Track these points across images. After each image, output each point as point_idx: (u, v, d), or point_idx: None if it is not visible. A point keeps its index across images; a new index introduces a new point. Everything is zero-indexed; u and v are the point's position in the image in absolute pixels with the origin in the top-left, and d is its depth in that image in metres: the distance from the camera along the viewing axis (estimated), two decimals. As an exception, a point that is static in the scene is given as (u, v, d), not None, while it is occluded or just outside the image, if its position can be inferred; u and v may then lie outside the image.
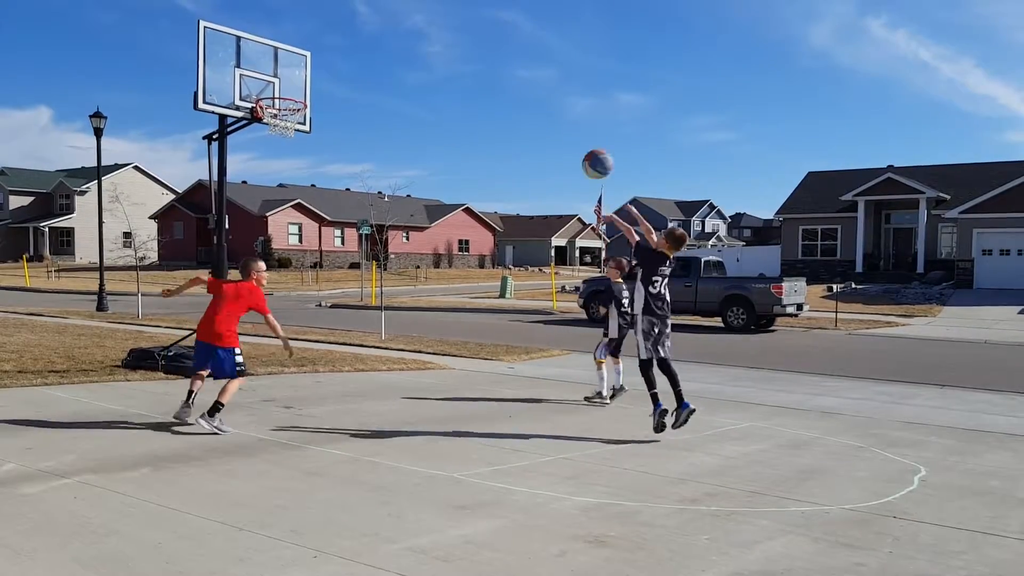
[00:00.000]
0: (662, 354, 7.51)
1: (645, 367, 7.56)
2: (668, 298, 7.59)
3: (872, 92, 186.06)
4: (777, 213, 45.36)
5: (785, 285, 21.21)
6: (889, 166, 43.37)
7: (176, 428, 7.58)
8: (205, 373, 7.64)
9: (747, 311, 20.85)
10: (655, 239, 7.58)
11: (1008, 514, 5.46)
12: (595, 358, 9.71)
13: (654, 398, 7.51)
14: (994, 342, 19.50)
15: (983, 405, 10.35)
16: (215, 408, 7.37)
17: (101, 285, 25.14)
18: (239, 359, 7.56)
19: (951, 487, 6.16)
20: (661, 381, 7.55)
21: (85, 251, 64.44)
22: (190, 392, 7.61)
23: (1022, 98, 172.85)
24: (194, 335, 7.99)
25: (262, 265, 7.85)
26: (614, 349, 9.53)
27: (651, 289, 7.45)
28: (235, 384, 7.54)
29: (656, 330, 7.49)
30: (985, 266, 34.09)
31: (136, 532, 4.64)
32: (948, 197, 39.09)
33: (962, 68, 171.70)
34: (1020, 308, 26.84)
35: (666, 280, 7.58)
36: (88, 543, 4.45)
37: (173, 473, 6.00)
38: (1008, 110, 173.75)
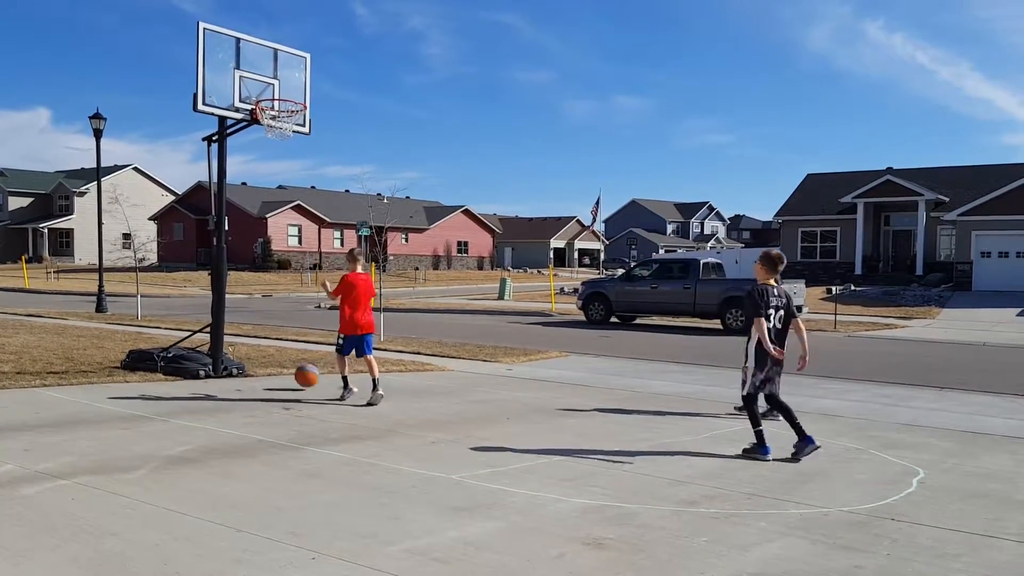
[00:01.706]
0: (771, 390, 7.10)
1: (749, 402, 7.16)
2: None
3: (870, 95, 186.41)
4: (776, 215, 45.38)
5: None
6: (888, 168, 43.41)
7: (167, 428, 7.57)
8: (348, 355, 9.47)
9: (746, 313, 20.81)
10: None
11: (1007, 516, 5.45)
12: None
13: (759, 436, 7.05)
14: (993, 344, 19.50)
15: (982, 407, 10.34)
16: (376, 383, 9.29)
17: (100, 286, 25.13)
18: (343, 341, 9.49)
19: (950, 489, 6.15)
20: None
21: (84, 252, 64.42)
22: (346, 387, 9.50)
23: (1020, 101, 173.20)
24: (192, 336, 8.23)
25: (359, 252, 9.83)
26: None
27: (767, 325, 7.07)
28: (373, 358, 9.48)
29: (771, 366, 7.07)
30: (984, 268, 34.11)
31: (134, 533, 4.64)
32: (947, 199, 39.12)
33: (960, 71, 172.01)
34: (1019, 310, 26.86)
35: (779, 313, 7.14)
36: (86, 544, 4.45)
37: (171, 475, 6.00)
38: (1006, 113, 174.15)
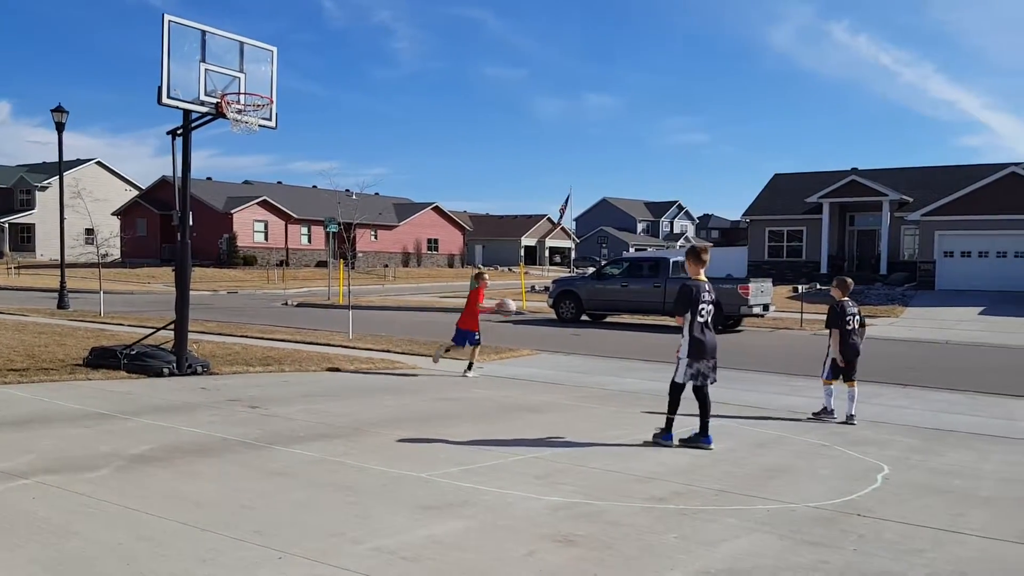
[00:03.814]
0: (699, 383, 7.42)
1: (676, 390, 7.47)
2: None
3: (835, 96, 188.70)
4: (744, 214, 45.78)
5: (752, 286, 21.39)
6: (853, 169, 43.95)
7: (124, 427, 7.44)
8: (464, 346, 12.19)
9: (715, 311, 20.97)
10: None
11: (970, 512, 5.54)
12: (822, 379, 9.21)
13: (669, 424, 7.41)
14: (956, 342, 19.84)
15: (945, 405, 10.52)
16: (470, 366, 12.15)
17: (62, 282, 24.72)
18: (478, 336, 12.09)
19: (914, 485, 6.24)
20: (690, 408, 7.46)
21: (46, 248, 63.26)
22: (447, 351, 12.58)
23: (982, 104, 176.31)
24: (156, 334, 8.26)
25: (487, 275, 12.75)
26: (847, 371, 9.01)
27: (699, 319, 7.38)
28: (477, 349, 12.24)
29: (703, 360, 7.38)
30: (947, 268, 34.69)
31: (96, 533, 4.54)
32: (911, 200, 39.74)
33: (923, 73, 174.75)
34: (981, 309, 27.35)
35: (709, 307, 7.46)
36: (47, 544, 4.35)
37: (135, 473, 5.89)
38: (967, 115, 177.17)
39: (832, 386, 9.14)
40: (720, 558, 4.45)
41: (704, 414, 7.37)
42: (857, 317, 9.26)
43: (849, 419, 8.89)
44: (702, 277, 7.50)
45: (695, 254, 7.61)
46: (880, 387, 11.88)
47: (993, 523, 5.27)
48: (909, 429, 8.67)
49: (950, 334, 21.51)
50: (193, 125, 10.84)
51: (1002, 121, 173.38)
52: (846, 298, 9.25)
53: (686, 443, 7.33)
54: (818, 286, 36.22)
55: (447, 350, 12.51)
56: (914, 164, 53.14)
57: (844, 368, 9.00)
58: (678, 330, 7.63)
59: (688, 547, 4.61)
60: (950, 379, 12.99)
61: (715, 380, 7.50)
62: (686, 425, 8.18)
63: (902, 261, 40.18)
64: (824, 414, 9.10)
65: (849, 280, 9.49)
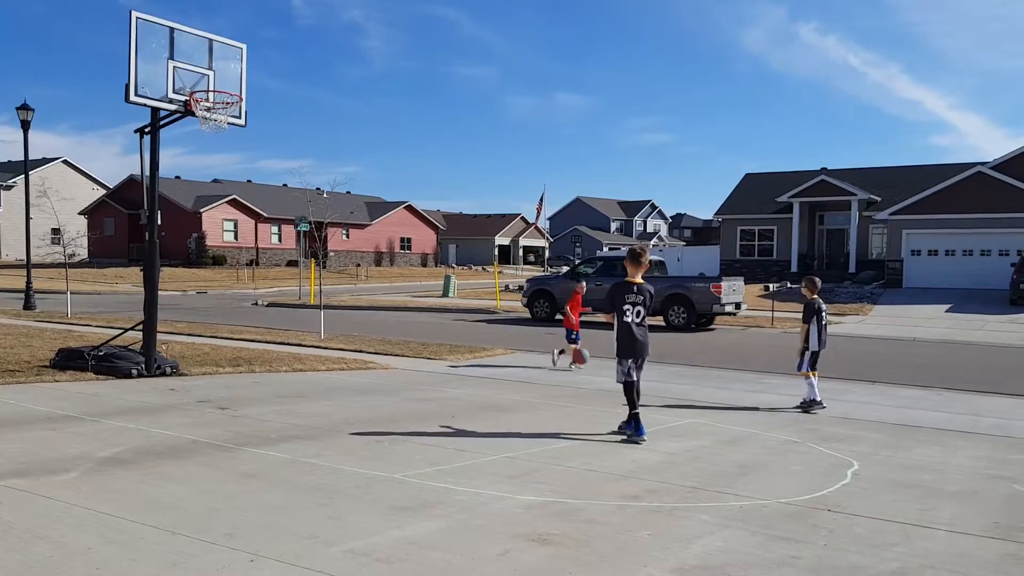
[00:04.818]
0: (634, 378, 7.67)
1: (626, 389, 7.67)
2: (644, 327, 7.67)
3: (805, 96, 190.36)
4: (716, 214, 46.15)
5: (724, 284, 21.57)
6: (823, 168, 44.45)
7: (97, 429, 7.34)
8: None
9: (688, 310, 21.15)
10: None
11: (938, 506, 5.62)
12: (800, 371, 9.67)
13: (635, 419, 7.57)
14: (923, 340, 20.12)
15: (912, 401, 10.67)
16: (563, 351, 13.02)
17: (28, 283, 24.32)
18: (575, 335, 12.79)
19: (883, 480, 6.32)
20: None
21: (12, 248, 62.15)
22: (561, 353, 13.15)
23: (947, 104, 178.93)
24: (124, 334, 8.20)
25: (583, 281, 14.81)
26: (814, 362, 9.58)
27: (624, 319, 7.54)
28: (576, 346, 12.68)
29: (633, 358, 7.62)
30: (914, 266, 35.17)
31: (64, 537, 4.47)
32: (879, 199, 40.26)
33: (889, 73, 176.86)
34: (947, 307, 27.77)
35: (637, 308, 7.58)
36: (13, 549, 4.27)
37: (104, 476, 5.81)
38: (934, 115, 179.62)
39: (813, 378, 9.56)
40: (694, 554, 4.47)
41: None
42: (825, 314, 9.83)
43: (815, 403, 9.51)
44: (638, 279, 7.63)
45: (633, 255, 7.74)
46: (849, 384, 12.03)
47: (960, 517, 5.35)
48: (878, 425, 8.78)
49: (917, 331, 21.82)
50: (161, 123, 10.72)
51: (968, 121, 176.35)
52: (816, 296, 9.73)
53: (620, 431, 7.66)
54: (789, 284, 36.65)
55: (561, 352, 13.08)
56: (883, 164, 53.87)
57: (813, 359, 9.58)
58: (652, 328, 7.84)
59: (663, 544, 4.63)
60: (917, 376, 13.18)
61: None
62: (661, 423, 8.24)
63: (871, 260, 40.70)
64: (814, 405, 9.50)
65: (817, 279, 10.03)
